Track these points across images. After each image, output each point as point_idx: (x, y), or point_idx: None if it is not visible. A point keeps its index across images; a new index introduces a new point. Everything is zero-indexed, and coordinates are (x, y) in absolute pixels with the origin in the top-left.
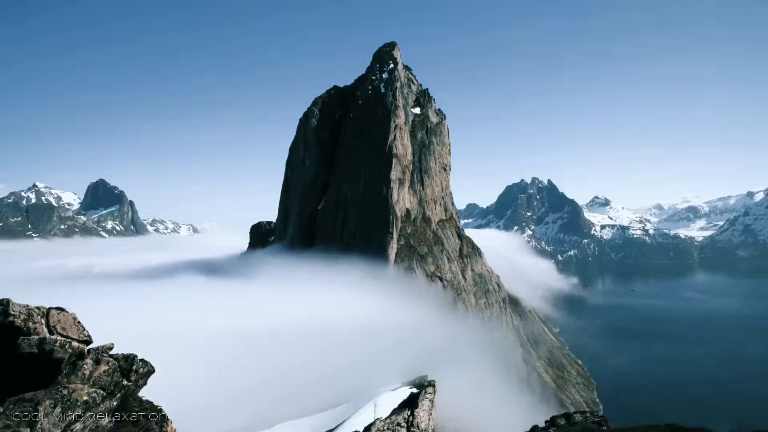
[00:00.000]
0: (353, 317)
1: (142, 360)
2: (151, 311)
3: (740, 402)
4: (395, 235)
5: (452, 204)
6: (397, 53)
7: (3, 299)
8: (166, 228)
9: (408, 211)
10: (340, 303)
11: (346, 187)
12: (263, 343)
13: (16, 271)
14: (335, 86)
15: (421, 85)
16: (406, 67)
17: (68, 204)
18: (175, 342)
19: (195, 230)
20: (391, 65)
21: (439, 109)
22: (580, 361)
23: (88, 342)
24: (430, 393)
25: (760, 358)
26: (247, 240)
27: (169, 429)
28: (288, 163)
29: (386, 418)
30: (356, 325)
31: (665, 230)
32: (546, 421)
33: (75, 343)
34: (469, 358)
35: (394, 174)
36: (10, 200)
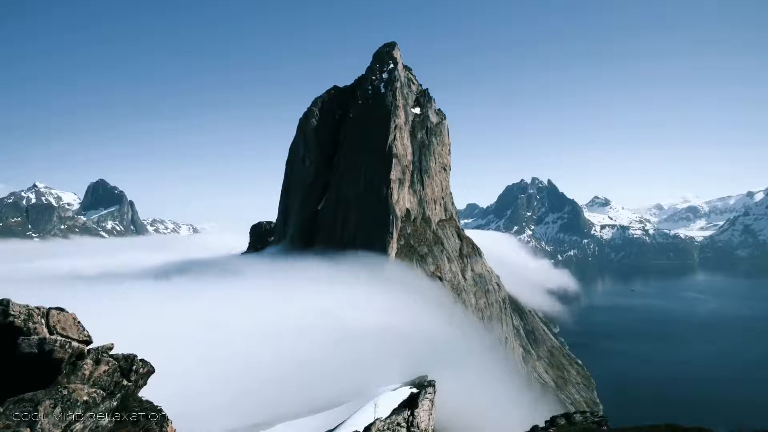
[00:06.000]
0: (353, 317)
1: (142, 360)
2: (150, 311)
3: (740, 402)
4: (395, 235)
5: (452, 204)
6: (397, 53)
7: (3, 299)
8: (166, 228)
9: (408, 211)
10: (340, 303)
11: (346, 187)
12: (263, 343)
13: (16, 271)
14: (335, 86)
15: (421, 85)
16: (406, 67)
17: (68, 204)
18: (175, 342)
19: (195, 230)
20: (391, 65)
21: (439, 109)
22: (580, 361)
23: (88, 342)
24: (430, 393)
25: (760, 358)
26: (247, 240)
27: (169, 429)
28: (288, 163)
29: (386, 418)
30: (356, 324)
31: (665, 230)
32: (546, 421)
33: (75, 343)
34: (468, 358)
35: (394, 174)
36: (10, 200)
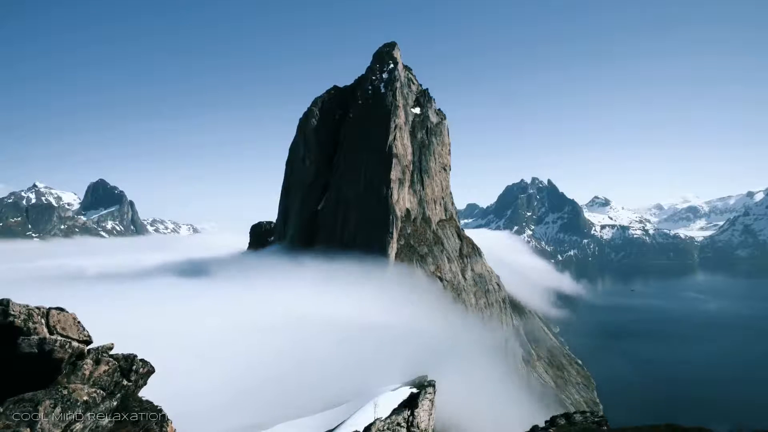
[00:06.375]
0: (353, 317)
1: (142, 360)
2: (150, 311)
3: (740, 402)
4: (395, 235)
5: (452, 204)
6: (397, 53)
7: (3, 299)
8: (166, 228)
9: (408, 211)
10: (341, 303)
11: (346, 187)
12: (263, 343)
13: (16, 271)
14: (335, 86)
15: (421, 85)
16: (406, 67)
17: (68, 204)
18: (175, 342)
19: (195, 230)
20: (391, 65)
21: (439, 109)
22: (580, 361)
23: (88, 342)
24: (430, 393)
25: (760, 358)
26: (247, 240)
27: (169, 429)
28: (288, 163)
29: (386, 418)
30: (356, 324)
31: (665, 230)
32: (546, 421)
33: (75, 343)
34: (469, 358)
35: (394, 174)
36: (10, 200)
